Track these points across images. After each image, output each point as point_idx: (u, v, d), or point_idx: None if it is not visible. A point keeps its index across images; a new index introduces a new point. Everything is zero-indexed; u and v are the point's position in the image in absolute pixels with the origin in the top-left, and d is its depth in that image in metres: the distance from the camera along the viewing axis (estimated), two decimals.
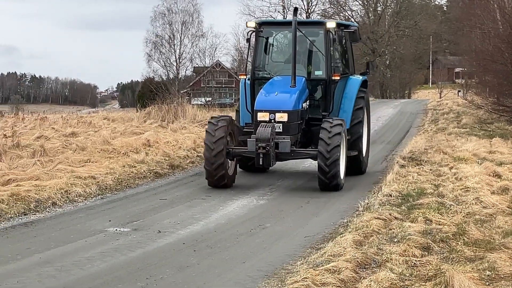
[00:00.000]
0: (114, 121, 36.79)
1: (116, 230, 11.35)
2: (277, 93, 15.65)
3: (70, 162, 17.89)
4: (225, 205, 13.99)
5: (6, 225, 11.79)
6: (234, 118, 17.21)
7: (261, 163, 14.69)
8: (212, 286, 8.35)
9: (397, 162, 18.15)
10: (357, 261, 8.60)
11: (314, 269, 8.19)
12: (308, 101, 16.35)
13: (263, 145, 14.47)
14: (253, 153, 14.74)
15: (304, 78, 16.23)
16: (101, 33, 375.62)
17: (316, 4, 69.15)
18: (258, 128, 14.83)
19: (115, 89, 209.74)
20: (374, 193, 14.19)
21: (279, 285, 7.98)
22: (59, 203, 13.72)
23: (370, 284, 7.47)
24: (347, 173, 16.24)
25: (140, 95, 61.79)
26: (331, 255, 8.89)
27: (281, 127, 15.04)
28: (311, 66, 17.18)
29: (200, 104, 50.99)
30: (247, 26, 17.35)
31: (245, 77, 17.38)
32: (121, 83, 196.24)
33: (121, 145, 21.98)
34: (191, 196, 15.26)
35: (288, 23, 16.66)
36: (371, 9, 79.77)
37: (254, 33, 17.15)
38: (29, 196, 13.43)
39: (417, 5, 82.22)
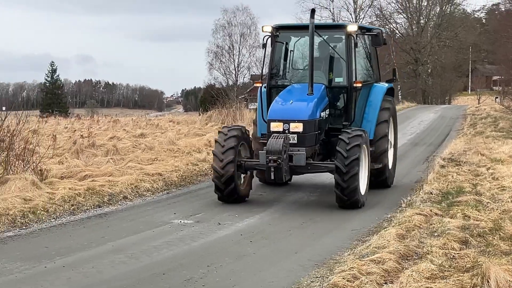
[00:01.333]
0: (179, 123, 37.19)
1: (180, 222, 11.42)
2: (292, 101, 13.12)
3: (139, 160, 18.12)
4: (279, 201, 13.93)
5: (82, 216, 12.00)
6: (252, 129, 15.29)
7: (272, 177, 12.19)
8: (266, 273, 8.33)
9: (437, 163, 17.82)
10: (400, 253, 8.53)
11: (360, 260, 8.13)
12: (327, 110, 13.68)
13: (274, 157, 11.98)
14: (265, 166, 12.28)
15: (323, 86, 13.62)
16: (168, 44, 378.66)
17: (363, 18, 68.52)
18: (269, 139, 12.30)
19: (179, 94, 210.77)
20: (416, 191, 14.00)
21: (328, 274, 7.90)
22: (130, 197, 13.90)
23: (411, 274, 7.37)
24: (371, 187, 13.90)
25: (202, 100, 62.87)
26: (375, 247, 8.82)
27: (295, 138, 12.51)
28: (332, 72, 14.30)
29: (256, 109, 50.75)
30: (263, 31, 14.41)
31: (260, 84, 14.83)
32: (185, 89, 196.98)
33: (185, 145, 22.28)
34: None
35: (306, 27, 13.56)
36: (414, 22, 78.65)
37: (270, 38, 14.51)
38: (103, 190, 13.63)
39: (457, 18, 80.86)
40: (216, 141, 13.12)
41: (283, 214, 12.53)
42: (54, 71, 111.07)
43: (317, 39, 13.90)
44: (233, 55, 79.77)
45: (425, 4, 78.31)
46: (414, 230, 9.94)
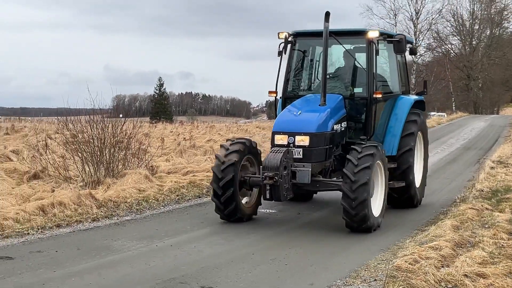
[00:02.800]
0: (264, 129, 37.43)
1: (266, 211, 11.41)
2: (300, 112, 10.15)
3: None
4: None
5: (185, 204, 12.22)
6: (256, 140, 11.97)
7: (267, 196, 9.35)
8: (337, 256, 8.28)
9: (487, 165, 17.34)
10: (455, 241, 8.32)
11: (420, 246, 7.97)
12: (344, 122, 10.60)
13: (270, 174, 9.17)
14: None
15: (341, 96, 10.61)
16: (254, 62, 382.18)
17: (422, 39, 67.10)
18: (268, 153, 9.65)
19: (264, 104, 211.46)
20: (468, 189, 13.63)
21: (392, 257, 7.78)
22: None
23: (465, 260, 7.19)
24: (394, 206, 11.51)
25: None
26: (433, 236, 8.63)
27: (301, 153, 9.68)
28: (352, 82, 11.28)
29: None
30: (279, 38, 11.32)
31: (274, 95, 11.46)
32: (268, 100, 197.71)
33: (269, 146, 22.37)
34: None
35: (316, 34, 10.83)
36: (467, 43, 76.69)
37: (287, 46, 11.45)
38: (202, 183, 13.86)
39: (505, 39, 78.45)
40: (216, 156, 10.23)
41: None
42: (161, 85, 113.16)
43: (340, 48, 11.25)
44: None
45: (477, 27, 76.64)
46: (467, 222, 9.68)
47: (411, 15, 65.56)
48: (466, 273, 6.78)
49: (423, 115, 12.08)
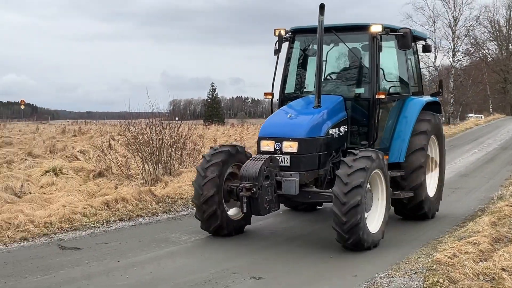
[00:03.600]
0: None
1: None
2: (290, 114, 8.55)
3: None
4: None
5: None
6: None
7: (244, 210, 7.90)
8: (379, 250, 8.14)
9: None
10: (493, 237, 8.11)
11: (458, 241, 7.81)
12: (345, 126, 8.91)
13: (247, 185, 7.70)
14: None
15: (341, 98, 8.94)
16: None
17: (460, 45, 65.69)
18: (247, 162, 8.10)
19: None
20: (505, 187, 13.32)
21: (432, 252, 7.63)
22: None
23: (503, 254, 7.01)
24: (406, 218, 9.95)
25: None
26: (472, 232, 8.45)
27: (288, 160, 8.02)
28: (354, 82, 9.46)
29: None
30: (275, 35, 9.54)
31: (270, 97, 9.85)
32: None
33: None
34: None
35: (326, 29, 8.64)
36: (504, 48, 74.81)
37: (286, 43, 9.78)
38: None
39: None
40: (196, 169, 8.64)
41: None
42: (214, 90, 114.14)
43: (343, 46, 9.59)
44: None
45: None
46: (505, 218, 9.41)
47: (450, 22, 64.46)
48: (503, 267, 6.60)
49: (437, 117, 10.17)
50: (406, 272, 6.81)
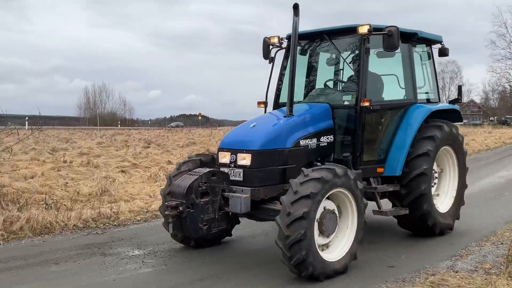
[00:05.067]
0: None
1: None
2: (254, 125, 7.01)
3: None
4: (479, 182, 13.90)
5: None
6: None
7: (170, 230, 6.80)
8: (471, 225, 8.72)
9: None
10: None
11: None
12: (329, 136, 7.17)
13: (173, 204, 6.52)
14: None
15: (327, 106, 7.35)
16: None
17: None
18: (182, 176, 6.90)
19: None
20: None
21: None
22: None
23: None
24: (412, 231, 8.13)
25: None
26: None
27: (241, 174, 6.60)
28: (345, 88, 7.84)
29: None
30: (268, 43, 8.19)
31: (263, 106, 8.32)
32: None
33: None
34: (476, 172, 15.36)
35: (318, 34, 7.86)
36: None
37: (280, 50, 8.33)
38: None
39: None
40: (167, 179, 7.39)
41: (481, 190, 12.62)
42: None
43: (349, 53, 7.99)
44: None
45: None
46: None
47: None
48: None
49: (452, 126, 8.27)
50: (493, 243, 7.66)
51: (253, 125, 7.05)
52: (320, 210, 6.04)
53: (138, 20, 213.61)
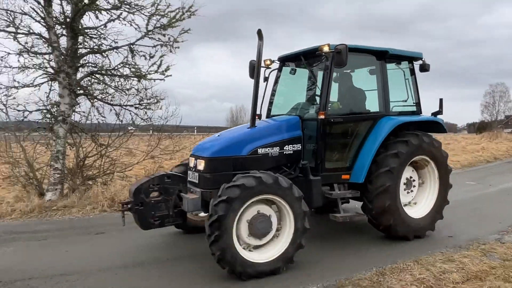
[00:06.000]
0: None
1: (467, 183, 14.03)
2: (219, 135, 7.83)
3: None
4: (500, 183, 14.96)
5: None
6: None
7: (123, 223, 7.45)
8: (497, 217, 9.68)
9: None
10: None
11: None
12: (294, 145, 7.67)
13: (125, 201, 7.42)
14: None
15: (297, 118, 7.96)
16: None
17: None
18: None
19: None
20: None
21: None
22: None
23: None
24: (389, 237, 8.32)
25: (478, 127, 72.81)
26: None
27: (197, 178, 7.31)
28: (312, 102, 8.42)
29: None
30: (263, 66, 8.82)
31: (257, 118, 8.54)
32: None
33: (471, 149, 26.07)
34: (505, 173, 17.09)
35: (299, 55, 8.45)
36: None
37: (274, 71, 9.07)
38: None
39: None
40: None
41: (500, 191, 13.56)
42: None
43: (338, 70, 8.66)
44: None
45: None
46: None
47: None
48: None
49: (427, 138, 8.37)
50: None
51: (218, 135, 7.81)
52: (252, 213, 6.49)
53: None
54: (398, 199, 8.02)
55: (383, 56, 8.35)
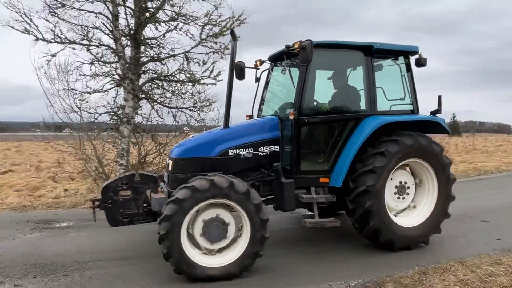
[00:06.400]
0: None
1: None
2: (193, 136, 7.70)
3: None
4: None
5: None
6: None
7: (94, 220, 7.59)
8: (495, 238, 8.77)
9: None
10: None
11: None
12: (272, 146, 7.40)
13: (94, 198, 7.52)
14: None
15: (275, 119, 7.68)
16: None
17: None
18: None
19: None
20: None
21: None
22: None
23: None
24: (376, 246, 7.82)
25: None
26: None
27: (167, 178, 7.36)
28: (292, 104, 7.77)
29: None
30: (255, 67, 8.61)
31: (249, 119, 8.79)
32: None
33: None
34: None
35: (279, 57, 8.27)
36: None
37: (265, 71, 8.80)
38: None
39: None
40: None
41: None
42: None
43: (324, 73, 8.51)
44: None
45: None
46: None
47: None
48: None
49: (420, 138, 7.69)
50: None
51: (192, 137, 7.65)
52: (210, 214, 6.41)
53: None
54: (382, 202, 7.43)
55: (369, 52, 7.74)
